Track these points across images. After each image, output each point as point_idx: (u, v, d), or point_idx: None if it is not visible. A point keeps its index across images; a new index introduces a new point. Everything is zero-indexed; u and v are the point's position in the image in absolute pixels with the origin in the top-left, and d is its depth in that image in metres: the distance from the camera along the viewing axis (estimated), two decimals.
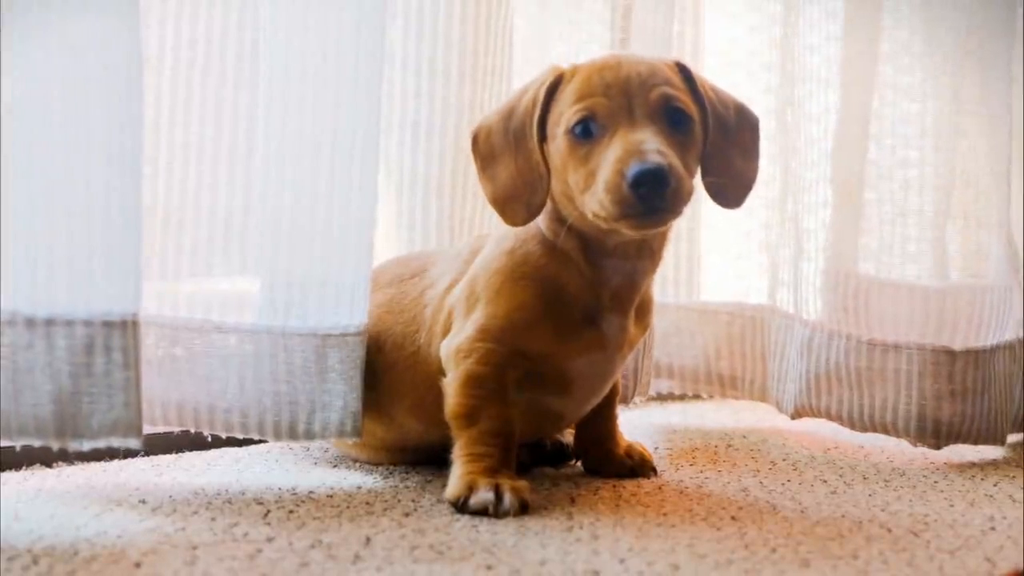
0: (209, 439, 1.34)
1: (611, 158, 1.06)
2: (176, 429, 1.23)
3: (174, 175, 1.22)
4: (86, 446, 1.05)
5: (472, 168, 1.37)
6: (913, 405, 1.44)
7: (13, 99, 1.03)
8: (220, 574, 0.90)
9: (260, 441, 1.36)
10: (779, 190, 1.59)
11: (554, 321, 1.15)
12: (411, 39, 1.41)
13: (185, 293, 1.22)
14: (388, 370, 1.24)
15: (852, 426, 1.48)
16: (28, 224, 1.03)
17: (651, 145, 1.06)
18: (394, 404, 1.24)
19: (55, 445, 1.05)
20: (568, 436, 1.35)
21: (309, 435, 1.21)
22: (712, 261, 1.71)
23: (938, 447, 1.45)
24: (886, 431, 1.47)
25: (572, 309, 1.16)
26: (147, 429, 1.28)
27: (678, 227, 1.64)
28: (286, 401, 1.21)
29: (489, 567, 0.93)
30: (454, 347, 1.16)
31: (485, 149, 1.18)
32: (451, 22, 1.42)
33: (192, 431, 1.23)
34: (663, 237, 1.19)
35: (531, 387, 1.18)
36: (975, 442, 1.46)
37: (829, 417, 1.50)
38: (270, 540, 1.00)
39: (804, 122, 1.53)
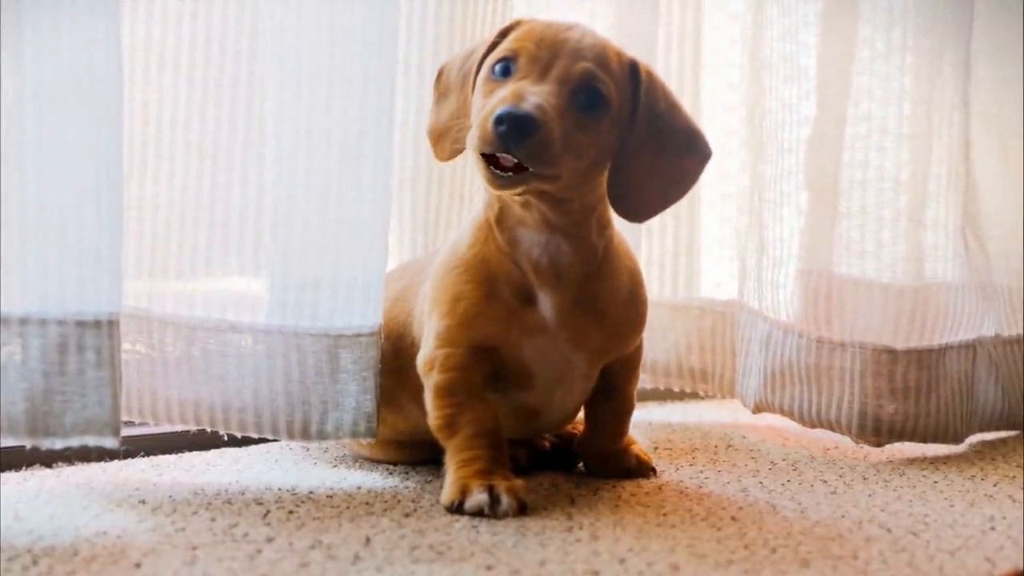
0: (209, 438, 1.34)
1: (496, 97, 1.07)
2: (193, 428, 1.24)
3: (190, 174, 1.23)
4: (59, 445, 1.05)
5: (449, 168, 1.37)
6: (856, 403, 1.45)
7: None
8: (220, 574, 0.90)
9: (260, 441, 1.36)
10: (750, 184, 1.59)
11: (493, 305, 1.15)
12: None
13: (201, 293, 1.23)
14: (395, 358, 1.24)
15: (802, 422, 1.50)
16: (3, 224, 1.03)
17: (534, 98, 1.05)
18: (401, 392, 1.25)
19: (28, 443, 1.05)
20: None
21: (322, 435, 1.22)
22: (688, 258, 1.71)
23: (879, 445, 1.46)
24: (831, 428, 1.48)
25: (504, 288, 1.15)
26: (164, 427, 1.30)
27: (662, 224, 1.65)
28: (299, 401, 1.21)
29: (489, 567, 0.93)
30: (422, 360, 1.17)
31: (443, 85, 1.20)
32: (425, 22, 1.41)
33: (208, 430, 1.23)
34: (572, 214, 1.14)
35: (499, 384, 1.18)
36: (923, 440, 1.47)
37: (783, 413, 1.51)
38: (270, 540, 1.00)
39: (777, 125, 1.53)
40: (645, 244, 1.64)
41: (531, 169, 1.05)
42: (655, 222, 1.63)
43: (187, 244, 1.23)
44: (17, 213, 1.04)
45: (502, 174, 1.06)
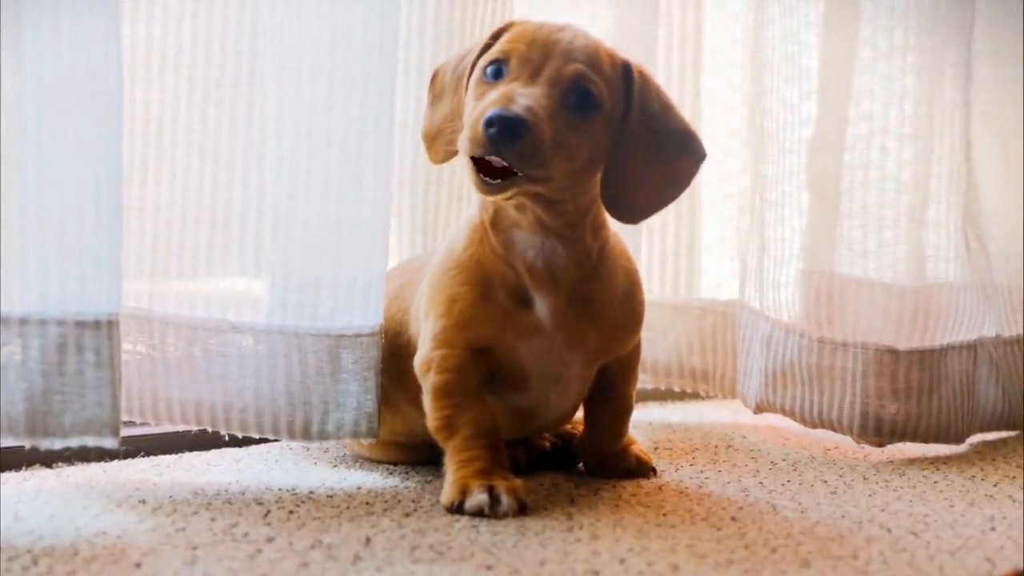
0: (210, 438, 1.34)
1: (487, 100, 1.06)
2: (193, 428, 1.25)
3: (190, 174, 1.23)
4: (58, 445, 1.05)
5: (448, 168, 1.37)
6: (857, 403, 1.46)
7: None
8: (220, 574, 0.90)
9: (260, 441, 1.36)
10: (751, 184, 1.59)
11: (488, 306, 1.15)
12: None
13: (202, 293, 1.23)
14: (391, 356, 1.24)
15: (803, 422, 1.50)
16: (3, 224, 1.04)
17: (524, 100, 1.05)
18: (398, 391, 1.25)
19: (27, 443, 1.05)
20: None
21: (323, 435, 1.22)
22: (689, 257, 1.71)
23: (881, 445, 1.47)
24: (833, 428, 1.48)
25: (500, 290, 1.15)
26: (165, 427, 1.30)
27: (663, 223, 1.65)
28: (300, 401, 1.21)
29: (489, 567, 0.93)
30: (419, 361, 1.17)
31: (437, 87, 1.20)
32: (425, 22, 1.41)
33: (208, 430, 1.23)
34: (566, 215, 1.13)
35: (495, 385, 1.18)
36: (924, 440, 1.47)
37: (784, 413, 1.51)
38: (270, 540, 1.00)
39: (778, 126, 1.53)
40: (646, 244, 1.64)
41: (521, 172, 1.05)
42: (656, 222, 1.64)
43: (188, 244, 1.24)
44: (17, 213, 1.04)
45: (491, 181, 1.05)
